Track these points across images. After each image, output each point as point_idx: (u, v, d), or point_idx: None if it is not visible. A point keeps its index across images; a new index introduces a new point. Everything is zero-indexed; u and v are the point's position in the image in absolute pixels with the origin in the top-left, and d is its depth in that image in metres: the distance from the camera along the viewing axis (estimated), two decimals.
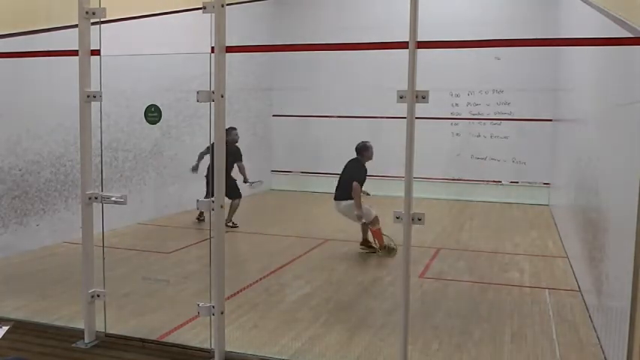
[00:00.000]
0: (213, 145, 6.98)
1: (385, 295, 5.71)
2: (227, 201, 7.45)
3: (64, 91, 5.54)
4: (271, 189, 12.18)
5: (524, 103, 11.43)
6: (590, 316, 5.02)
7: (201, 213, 8.12)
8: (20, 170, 6.97)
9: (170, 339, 4.43)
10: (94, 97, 4.18)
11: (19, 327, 4.44)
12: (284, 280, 6.31)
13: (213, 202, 3.91)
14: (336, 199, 7.27)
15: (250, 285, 5.95)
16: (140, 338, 4.37)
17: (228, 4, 3.80)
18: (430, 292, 5.83)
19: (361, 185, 7.10)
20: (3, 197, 6.77)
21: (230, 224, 8.07)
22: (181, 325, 4.70)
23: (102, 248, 4.91)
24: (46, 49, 6.29)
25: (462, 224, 9.61)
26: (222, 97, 3.85)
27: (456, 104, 11.79)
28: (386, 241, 7.04)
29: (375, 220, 7.12)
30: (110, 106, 6.35)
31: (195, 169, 8.21)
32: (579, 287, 5.87)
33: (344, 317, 5.04)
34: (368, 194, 7.29)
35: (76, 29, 4.12)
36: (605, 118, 4.96)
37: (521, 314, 5.19)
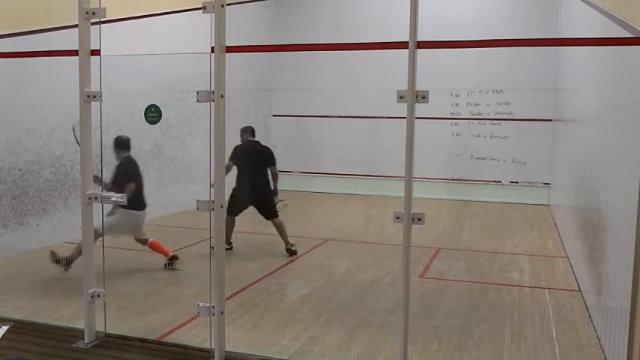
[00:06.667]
0: (234, 150, 6.95)
1: (385, 295, 5.71)
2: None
3: (64, 91, 5.54)
4: None
5: (524, 103, 11.43)
6: (590, 316, 5.02)
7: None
8: (20, 170, 6.97)
9: (170, 339, 4.43)
10: (94, 97, 4.17)
11: (19, 327, 4.44)
12: (284, 280, 6.31)
13: (213, 202, 3.92)
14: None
15: (250, 285, 5.96)
16: (140, 338, 4.37)
17: (228, 4, 3.80)
18: (430, 292, 5.83)
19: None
20: (3, 197, 6.77)
21: (292, 248, 7.09)
22: (181, 325, 4.70)
23: (102, 248, 4.92)
24: (46, 49, 6.30)
25: (462, 224, 9.61)
26: (222, 97, 3.85)
27: (456, 104, 11.79)
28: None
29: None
30: (110, 106, 6.36)
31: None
32: (579, 287, 5.87)
33: (344, 317, 5.04)
34: None
35: (76, 29, 4.12)
36: (605, 118, 4.96)
37: (521, 314, 5.19)
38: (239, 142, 7.21)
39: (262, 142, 7.47)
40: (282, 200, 7.32)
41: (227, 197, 6.73)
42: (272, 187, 7.17)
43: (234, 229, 7.12)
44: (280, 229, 7.13)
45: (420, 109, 3.46)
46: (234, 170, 7.03)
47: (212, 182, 3.94)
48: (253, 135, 7.30)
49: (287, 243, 7.11)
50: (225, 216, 4.00)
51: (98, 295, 4.35)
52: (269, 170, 7.18)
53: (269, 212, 7.14)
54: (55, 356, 4.14)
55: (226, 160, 6.87)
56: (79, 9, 4.08)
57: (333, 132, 12.09)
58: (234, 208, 7.00)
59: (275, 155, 7.26)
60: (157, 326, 4.69)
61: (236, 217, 7.11)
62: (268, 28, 12.03)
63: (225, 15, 3.80)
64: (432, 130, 10.22)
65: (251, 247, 7.30)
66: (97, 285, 4.39)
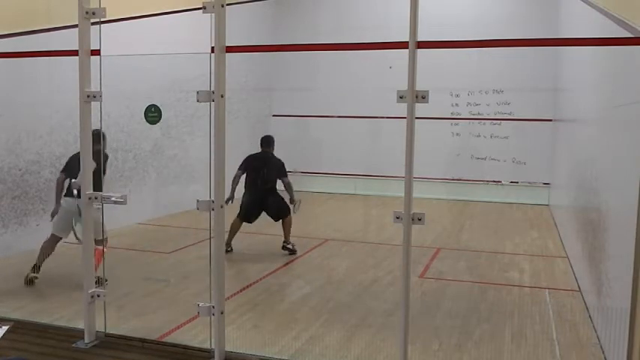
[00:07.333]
0: (245, 160, 6.94)
1: (385, 295, 5.71)
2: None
3: (64, 91, 5.54)
4: None
5: (524, 103, 11.42)
6: (590, 316, 5.02)
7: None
8: (20, 170, 6.97)
9: (170, 339, 4.43)
10: (94, 97, 4.18)
11: (19, 327, 4.44)
12: (284, 280, 6.31)
13: (213, 202, 3.92)
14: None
15: (250, 285, 5.96)
16: (140, 338, 4.37)
17: (228, 4, 3.80)
18: (430, 292, 5.83)
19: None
20: (3, 197, 6.77)
21: (290, 246, 7.12)
22: (181, 325, 4.70)
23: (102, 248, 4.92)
24: (46, 49, 6.30)
25: (462, 224, 9.61)
26: (222, 97, 3.85)
27: (456, 104, 11.79)
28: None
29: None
30: (110, 106, 6.36)
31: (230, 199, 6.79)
32: (579, 287, 5.87)
33: (344, 317, 5.04)
34: None
35: (76, 29, 4.12)
36: (605, 118, 4.96)
37: (521, 314, 5.19)
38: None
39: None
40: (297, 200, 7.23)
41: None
42: (287, 197, 7.14)
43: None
44: (287, 227, 7.13)
45: (420, 109, 3.46)
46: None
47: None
48: (268, 146, 7.30)
49: (286, 241, 7.10)
50: (224, 216, 4.00)
51: (98, 295, 4.34)
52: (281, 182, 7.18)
53: (280, 214, 7.13)
54: (55, 356, 4.14)
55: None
56: (79, 9, 4.08)
57: (333, 132, 12.09)
58: (246, 214, 7.11)
59: (282, 166, 7.19)
60: (157, 326, 4.69)
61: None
62: (268, 28, 12.03)
63: (225, 15, 3.80)
64: (432, 130, 10.21)
65: (251, 247, 7.31)
66: (96, 285, 4.39)
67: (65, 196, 5.84)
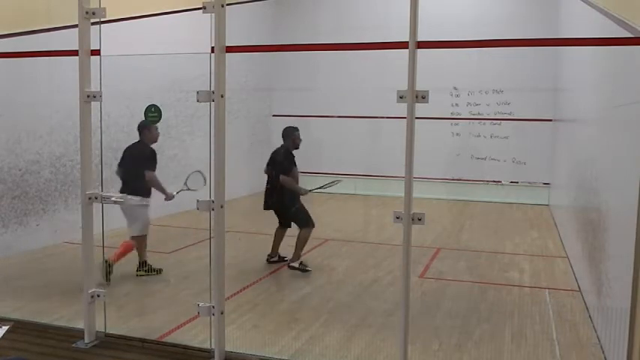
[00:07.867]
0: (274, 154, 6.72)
1: (385, 295, 5.71)
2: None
3: (64, 91, 5.54)
4: None
5: (524, 103, 11.43)
6: (590, 316, 5.02)
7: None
8: (20, 170, 6.97)
9: (170, 339, 4.43)
10: (94, 97, 4.18)
11: (19, 327, 4.44)
12: (284, 280, 6.31)
13: (213, 202, 3.92)
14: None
15: (250, 285, 5.96)
16: (140, 338, 4.37)
17: (228, 4, 3.80)
18: (430, 292, 5.83)
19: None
20: (3, 197, 6.77)
21: (295, 264, 6.48)
22: (181, 325, 4.70)
23: (102, 248, 4.92)
24: (46, 49, 6.30)
25: (462, 224, 9.62)
26: (222, 97, 3.85)
27: (456, 104, 11.80)
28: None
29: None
30: (110, 106, 6.37)
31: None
32: (579, 287, 5.87)
33: (344, 317, 5.04)
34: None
35: (76, 29, 4.12)
36: (605, 118, 4.96)
37: (521, 314, 5.19)
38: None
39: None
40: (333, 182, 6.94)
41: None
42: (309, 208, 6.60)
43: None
44: (298, 243, 6.52)
45: (420, 109, 3.46)
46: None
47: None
48: (284, 137, 6.76)
49: (296, 256, 6.52)
50: (224, 216, 4.00)
51: (98, 295, 4.34)
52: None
53: (285, 219, 6.69)
54: (55, 356, 4.14)
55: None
56: (79, 9, 4.08)
57: (333, 132, 12.09)
58: (279, 218, 6.70)
59: (284, 160, 6.63)
60: (157, 326, 4.69)
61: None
62: (268, 28, 12.03)
63: (225, 15, 3.80)
64: (432, 130, 10.22)
65: (251, 247, 7.30)
66: (96, 285, 4.39)
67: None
